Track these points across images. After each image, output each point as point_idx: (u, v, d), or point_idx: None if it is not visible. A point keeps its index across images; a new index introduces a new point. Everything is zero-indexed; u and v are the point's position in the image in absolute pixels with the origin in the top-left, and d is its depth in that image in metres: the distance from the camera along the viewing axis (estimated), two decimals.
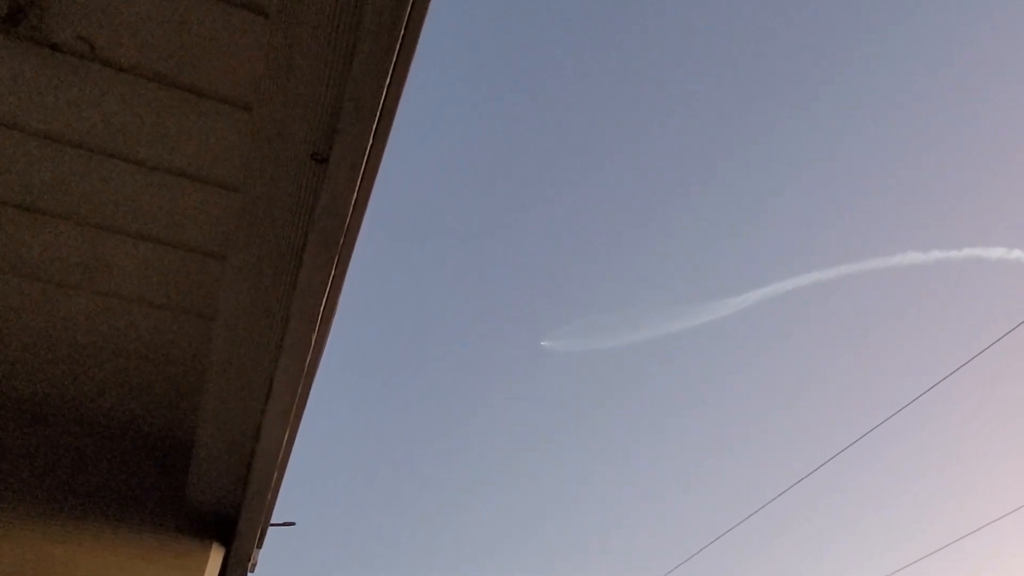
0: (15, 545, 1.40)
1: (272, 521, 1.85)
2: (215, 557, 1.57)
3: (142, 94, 1.05)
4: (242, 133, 1.08)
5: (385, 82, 0.98)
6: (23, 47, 0.99)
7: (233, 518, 1.61)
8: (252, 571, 1.79)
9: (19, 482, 1.46)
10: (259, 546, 1.80)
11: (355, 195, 1.09)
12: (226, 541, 1.61)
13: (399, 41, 0.96)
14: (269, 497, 1.56)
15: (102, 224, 1.19)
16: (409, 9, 1.00)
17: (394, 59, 0.98)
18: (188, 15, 0.98)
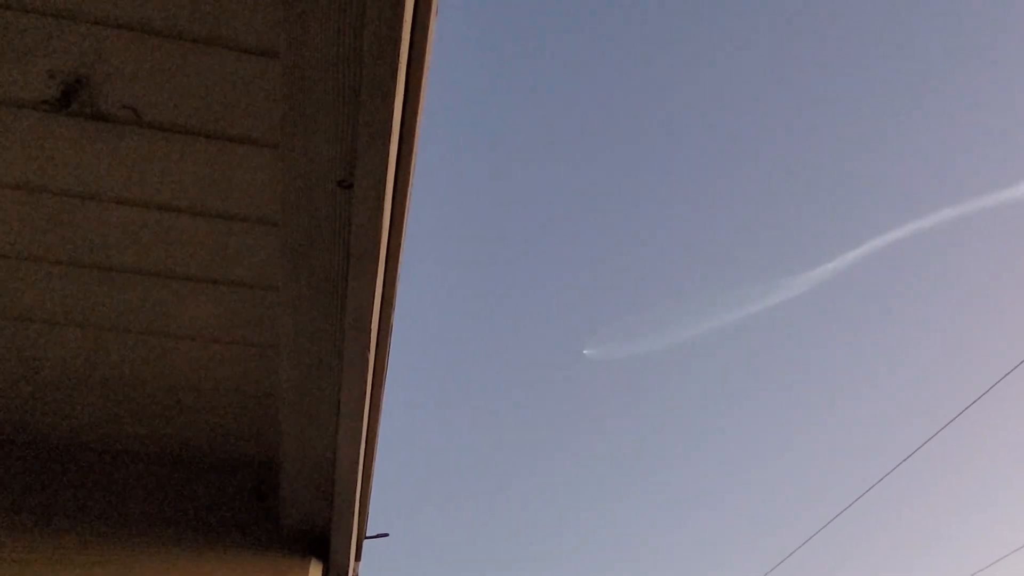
0: None
1: (368, 534, 1.93)
2: (314, 573, 1.66)
3: (183, 148, 1.13)
4: (273, 170, 1.15)
5: (394, 102, 1.02)
6: (75, 122, 1.10)
7: (326, 534, 1.69)
8: None
9: (127, 517, 1.60)
10: (358, 559, 1.88)
11: (386, 216, 1.13)
12: (323, 557, 1.69)
13: (402, 59, 1.00)
14: (356, 511, 1.63)
15: (165, 272, 1.29)
16: (411, 28, 1.04)
17: (401, 79, 1.02)
18: (212, 70, 1.05)
